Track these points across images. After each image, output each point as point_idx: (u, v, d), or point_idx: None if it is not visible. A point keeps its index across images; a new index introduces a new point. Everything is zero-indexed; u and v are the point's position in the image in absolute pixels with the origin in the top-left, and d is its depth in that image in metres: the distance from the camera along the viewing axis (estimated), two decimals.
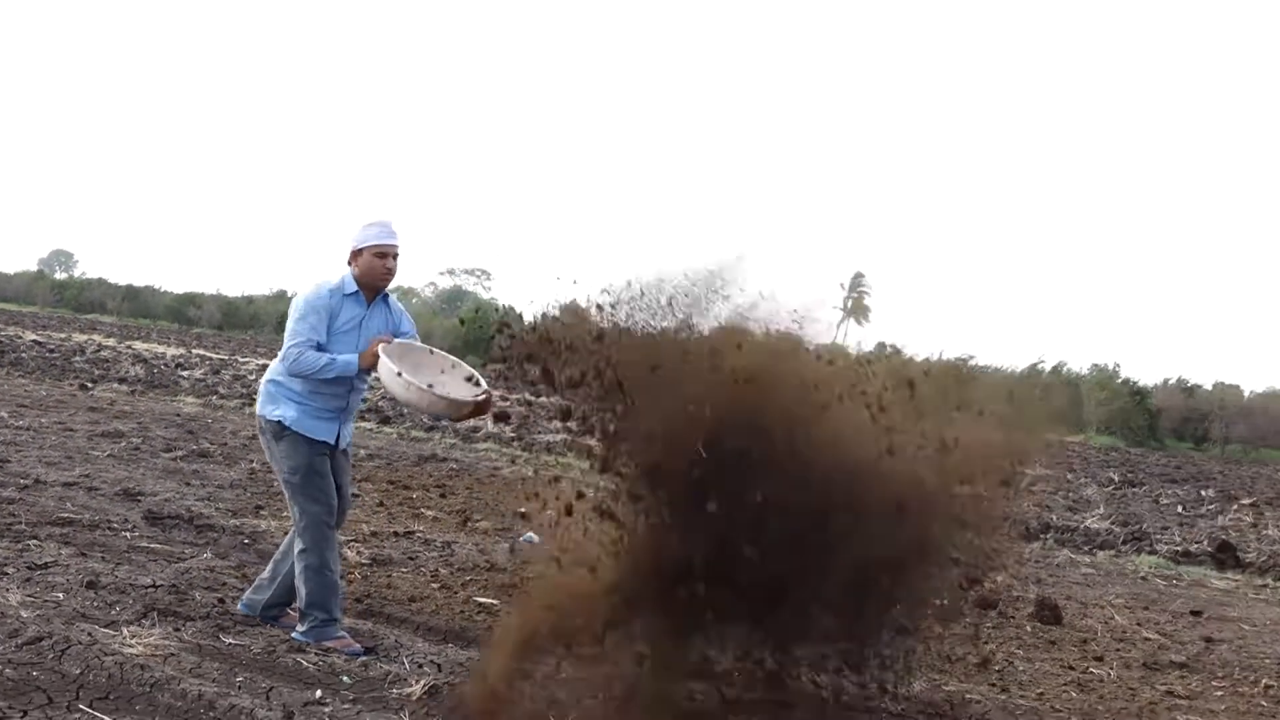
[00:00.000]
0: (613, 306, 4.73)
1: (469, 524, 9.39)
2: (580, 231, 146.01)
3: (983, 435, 4.93)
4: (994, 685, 6.01)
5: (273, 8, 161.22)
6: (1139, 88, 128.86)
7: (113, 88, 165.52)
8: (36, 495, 8.17)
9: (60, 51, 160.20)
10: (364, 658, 5.25)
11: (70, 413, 14.22)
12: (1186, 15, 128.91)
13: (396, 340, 5.49)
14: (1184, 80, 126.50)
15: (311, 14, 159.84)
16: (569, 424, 4.93)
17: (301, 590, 5.42)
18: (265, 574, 5.78)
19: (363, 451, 13.15)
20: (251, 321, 71.29)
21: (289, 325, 5.47)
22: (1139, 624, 8.01)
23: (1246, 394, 50.97)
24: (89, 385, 18.83)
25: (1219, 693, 6.43)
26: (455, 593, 6.82)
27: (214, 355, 33.61)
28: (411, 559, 7.60)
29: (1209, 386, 51.29)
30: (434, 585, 6.93)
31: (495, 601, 6.68)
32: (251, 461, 11.15)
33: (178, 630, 5.28)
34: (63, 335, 36.20)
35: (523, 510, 10.33)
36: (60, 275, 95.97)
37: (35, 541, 6.69)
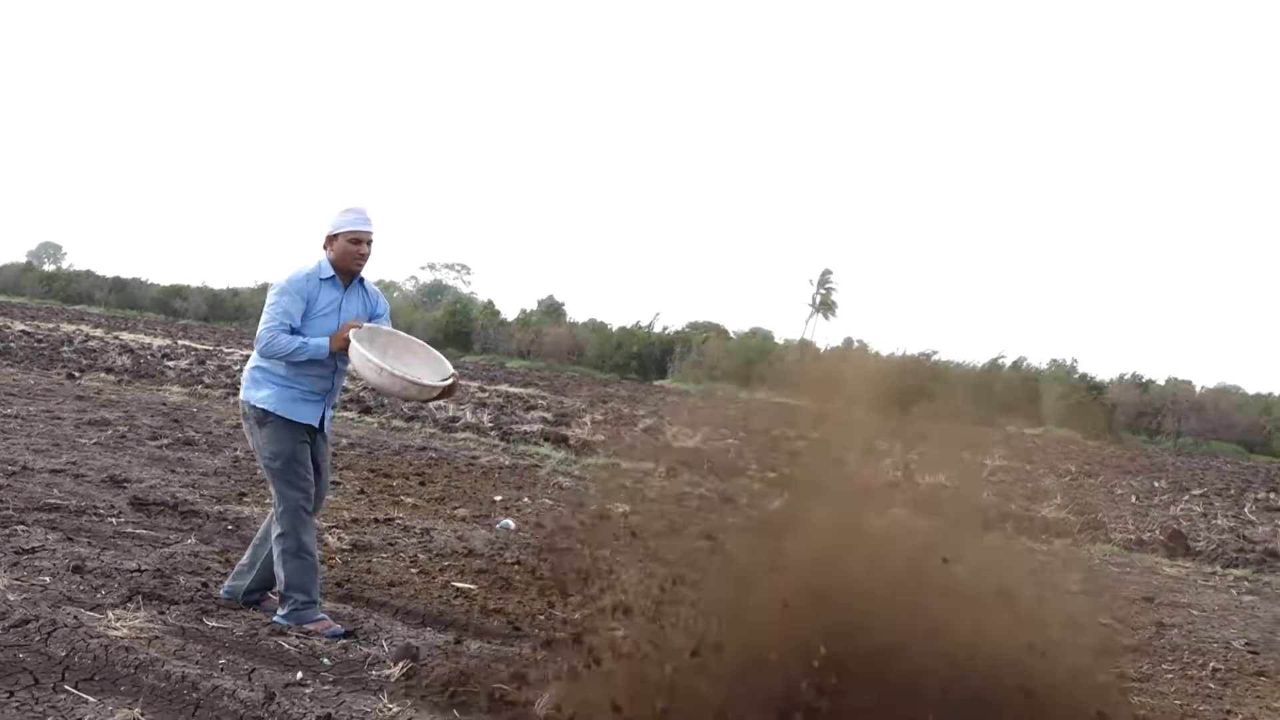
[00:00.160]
0: None
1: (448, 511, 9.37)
2: (559, 227, 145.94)
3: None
4: None
5: (259, 4, 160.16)
6: (1093, 87, 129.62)
7: (101, 84, 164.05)
8: (24, 481, 8.11)
9: (48, 48, 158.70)
10: (344, 640, 5.24)
11: (58, 401, 14.10)
12: (1128, 10, 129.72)
13: (366, 325, 5.49)
14: (1138, 80, 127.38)
15: (297, 10, 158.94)
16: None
17: (281, 574, 5.40)
18: (244, 560, 5.75)
19: (344, 440, 13.12)
20: (236, 313, 70.97)
21: (265, 309, 5.47)
22: (1093, 609, 8.06)
23: (1198, 389, 51.49)
24: (76, 375, 18.67)
25: (1169, 675, 6.50)
26: (433, 578, 6.81)
27: (199, 346, 33.42)
28: (391, 545, 7.58)
29: (1162, 382, 51.82)
30: (413, 570, 6.92)
31: (472, 586, 6.68)
32: (235, 449, 11.09)
33: (162, 613, 5.25)
34: (51, 326, 35.94)
35: (498, 498, 10.34)
36: (49, 267, 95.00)
37: (22, 527, 6.64)
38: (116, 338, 32.90)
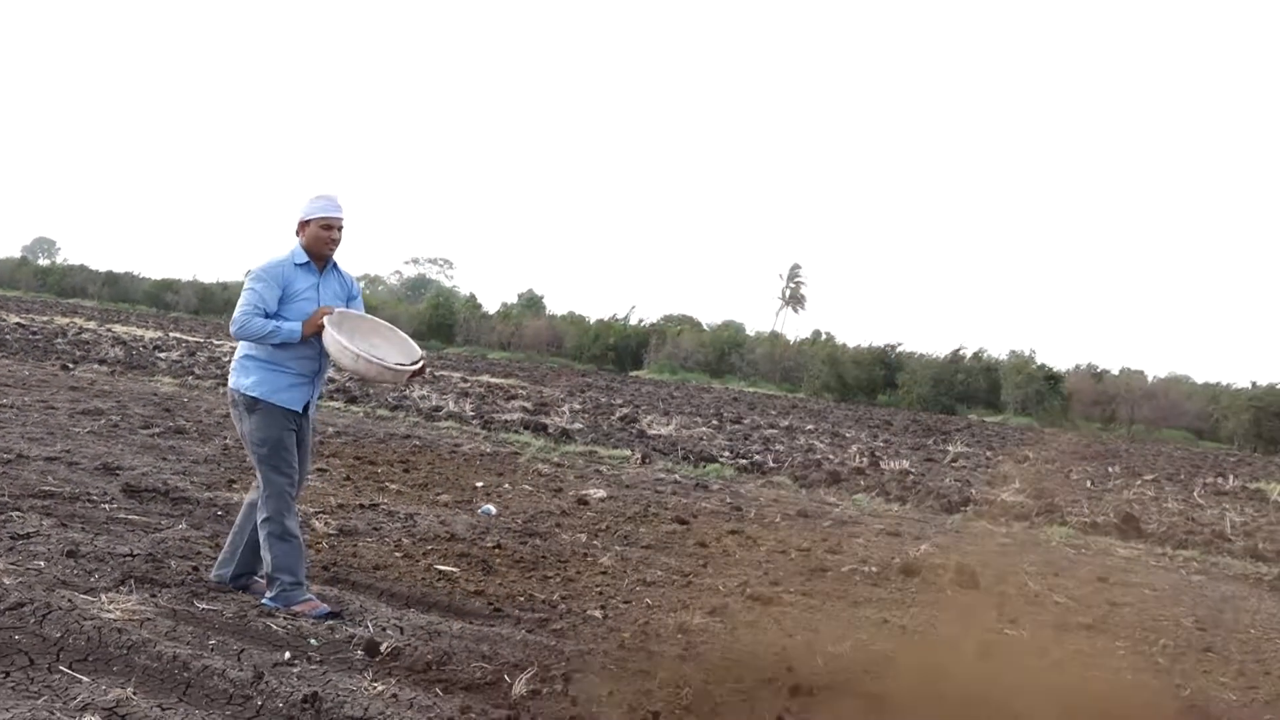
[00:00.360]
0: None
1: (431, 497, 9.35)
2: (539, 222, 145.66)
3: None
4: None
5: (249, 2, 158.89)
6: (1054, 81, 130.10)
7: (94, 81, 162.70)
8: (19, 469, 8.05)
9: (42, 46, 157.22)
10: (330, 620, 5.22)
11: (52, 392, 13.99)
12: (1085, 11, 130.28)
13: (337, 310, 5.48)
14: (1100, 72, 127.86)
15: (285, 8, 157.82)
16: None
17: (267, 556, 5.38)
18: (224, 552, 5.71)
19: (330, 429, 13.07)
20: (226, 306, 70.22)
21: (241, 293, 5.45)
22: (1050, 589, 8.12)
23: (1150, 379, 51.79)
24: (70, 366, 18.53)
25: (1122, 651, 6.55)
26: (417, 561, 6.79)
27: (190, 338, 33.19)
28: (376, 529, 7.56)
29: (1116, 372, 52.07)
30: (397, 554, 6.90)
31: (454, 569, 6.67)
32: (225, 438, 11.03)
33: (154, 596, 5.22)
34: (45, 318, 35.63)
35: (479, 484, 10.32)
36: (43, 262, 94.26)
37: (18, 513, 6.59)
38: (109, 330, 32.68)
